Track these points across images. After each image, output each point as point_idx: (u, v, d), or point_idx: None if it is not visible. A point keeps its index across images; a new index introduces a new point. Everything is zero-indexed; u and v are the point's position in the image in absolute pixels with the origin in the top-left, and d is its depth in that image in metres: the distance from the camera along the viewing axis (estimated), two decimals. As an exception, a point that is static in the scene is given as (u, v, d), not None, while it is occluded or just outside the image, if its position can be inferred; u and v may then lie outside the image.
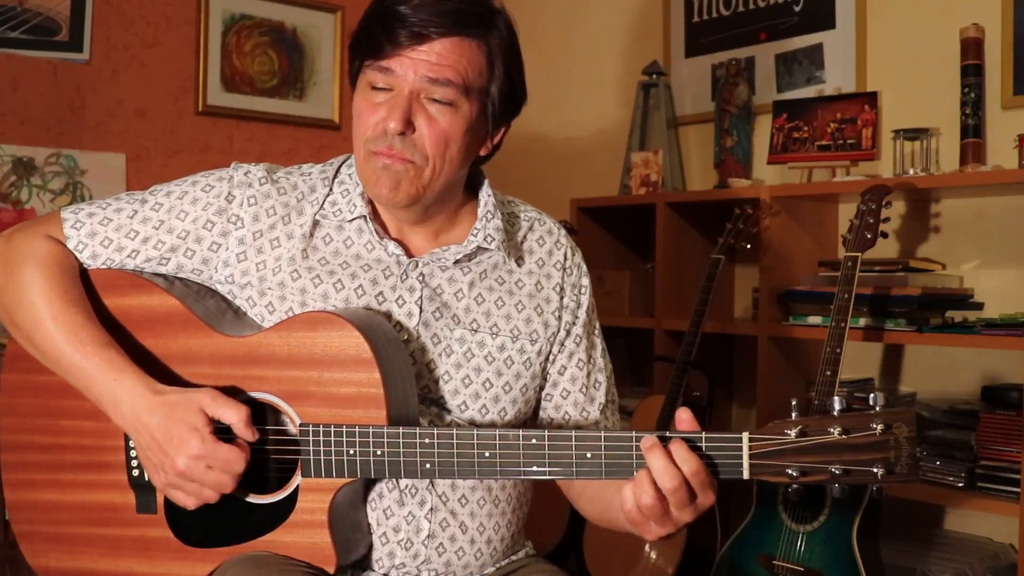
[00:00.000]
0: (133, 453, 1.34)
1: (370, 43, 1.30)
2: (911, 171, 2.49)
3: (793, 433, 1.13)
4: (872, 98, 2.65)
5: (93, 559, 1.36)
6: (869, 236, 2.22)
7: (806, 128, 2.75)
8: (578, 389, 1.46)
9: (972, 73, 2.44)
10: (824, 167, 2.73)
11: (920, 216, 2.64)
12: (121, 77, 3.32)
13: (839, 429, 1.12)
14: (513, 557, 1.46)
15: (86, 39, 3.23)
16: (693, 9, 3.24)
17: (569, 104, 3.60)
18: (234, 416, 1.23)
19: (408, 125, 1.28)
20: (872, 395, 1.14)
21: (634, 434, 1.17)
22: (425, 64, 1.27)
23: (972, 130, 2.44)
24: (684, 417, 1.17)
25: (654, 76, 3.19)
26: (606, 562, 2.68)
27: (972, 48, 2.44)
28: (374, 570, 1.34)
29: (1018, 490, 2.15)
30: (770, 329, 2.65)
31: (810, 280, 2.62)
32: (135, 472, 1.34)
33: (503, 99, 1.36)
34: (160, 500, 1.33)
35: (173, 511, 1.31)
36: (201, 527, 1.31)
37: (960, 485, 2.28)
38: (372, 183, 1.33)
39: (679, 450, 1.14)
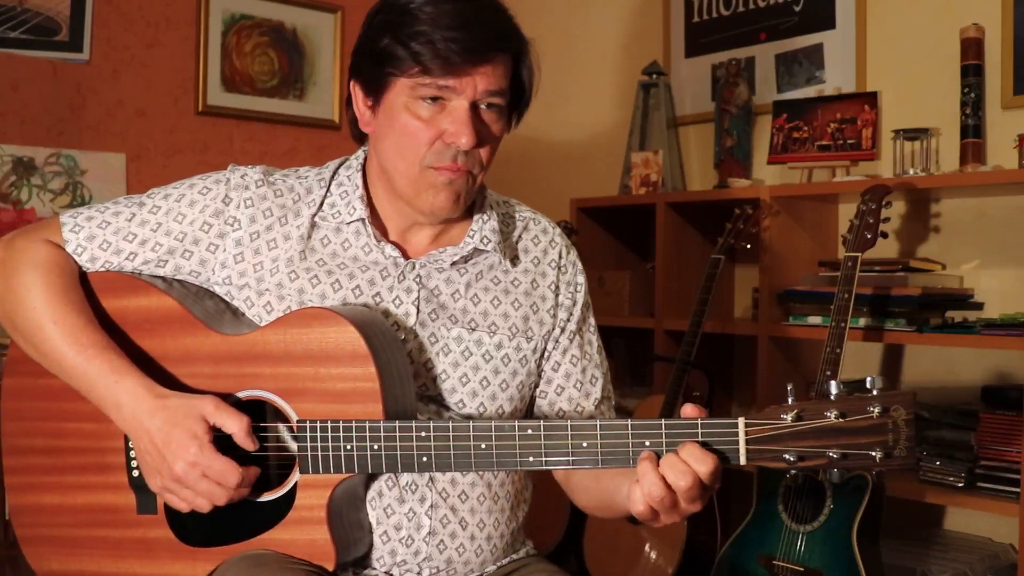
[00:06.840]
0: (133, 454, 1.34)
1: (417, 59, 1.27)
2: (911, 171, 2.49)
3: (789, 417, 1.12)
4: (872, 98, 2.65)
5: (96, 561, 1.36)
6: (869, 236, 2.22)
7: (806, 128, 2.75)
8: (572, 385, 1.47)
9: (972, 73, 2.44)
10: (824, 167, 2.73)
11: (920, 216, 2.64)
12: (121, 77, 3.31)
13: (836, 412, 1.11)
14: (514, 556, 1.46)
15: (86, 39, 3.23)
16: (693, 9, 3.24)
17: (569, 104, 3.60)
18: (235, 426, 1.24)
19: (478, 140, 1.31)
20: (870, 378, 1.12)
21: (629, 422, 1.16)
22: (484, 79, 1.29)
23: (972, 130, 2.44)
24: (689, 412, 1.16)
25: (654, 76, 3.19)
26: (606, 562, 2.67)
27: (972, 48, 2.44)
28: (375, 568, 1.34)
29: (1018, 490, 2.15)
30: (770, 329, 2.65)
31: (810, 280, 2.61)
32: (135, 473, 1.34)
33: (524, 107, 1.41)
34: (160, 501, 1.32)
35: (173, 511, 1.31)
36: (201, 526, 1.31)
37: (960, 485, 2.28)
38: (430, 197, 1.33)
39: (694, 451, 1.12)
